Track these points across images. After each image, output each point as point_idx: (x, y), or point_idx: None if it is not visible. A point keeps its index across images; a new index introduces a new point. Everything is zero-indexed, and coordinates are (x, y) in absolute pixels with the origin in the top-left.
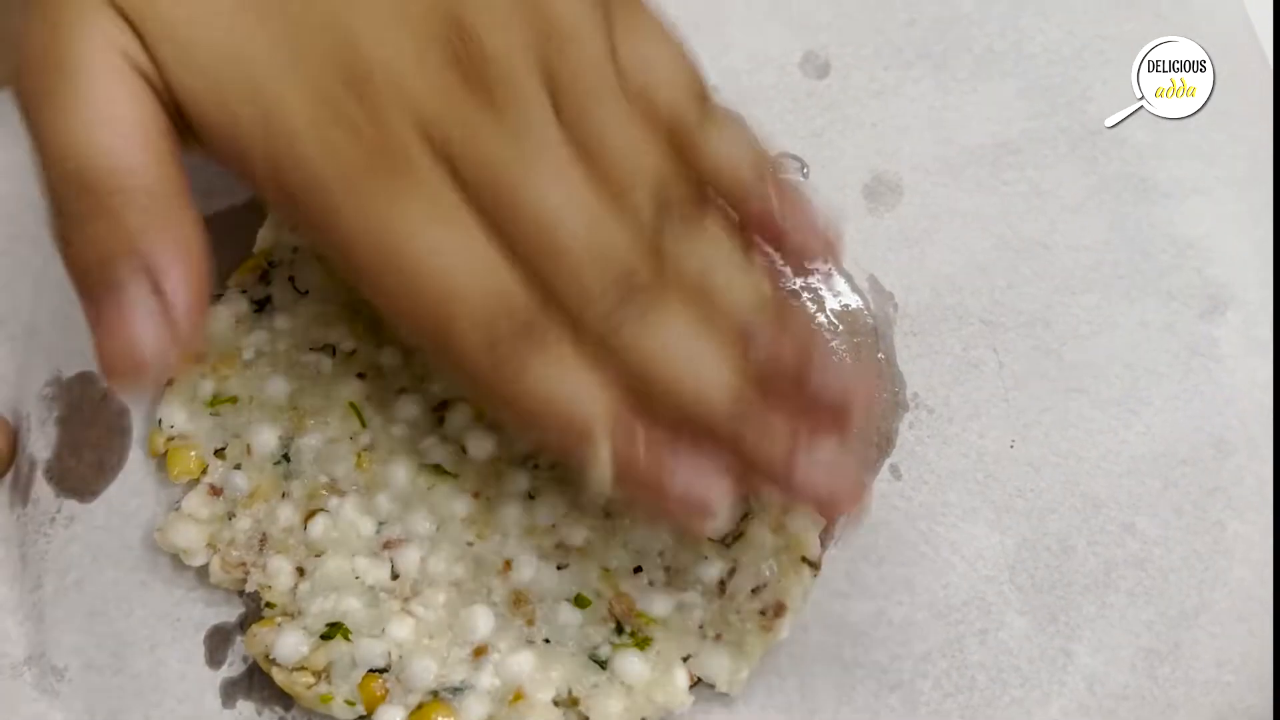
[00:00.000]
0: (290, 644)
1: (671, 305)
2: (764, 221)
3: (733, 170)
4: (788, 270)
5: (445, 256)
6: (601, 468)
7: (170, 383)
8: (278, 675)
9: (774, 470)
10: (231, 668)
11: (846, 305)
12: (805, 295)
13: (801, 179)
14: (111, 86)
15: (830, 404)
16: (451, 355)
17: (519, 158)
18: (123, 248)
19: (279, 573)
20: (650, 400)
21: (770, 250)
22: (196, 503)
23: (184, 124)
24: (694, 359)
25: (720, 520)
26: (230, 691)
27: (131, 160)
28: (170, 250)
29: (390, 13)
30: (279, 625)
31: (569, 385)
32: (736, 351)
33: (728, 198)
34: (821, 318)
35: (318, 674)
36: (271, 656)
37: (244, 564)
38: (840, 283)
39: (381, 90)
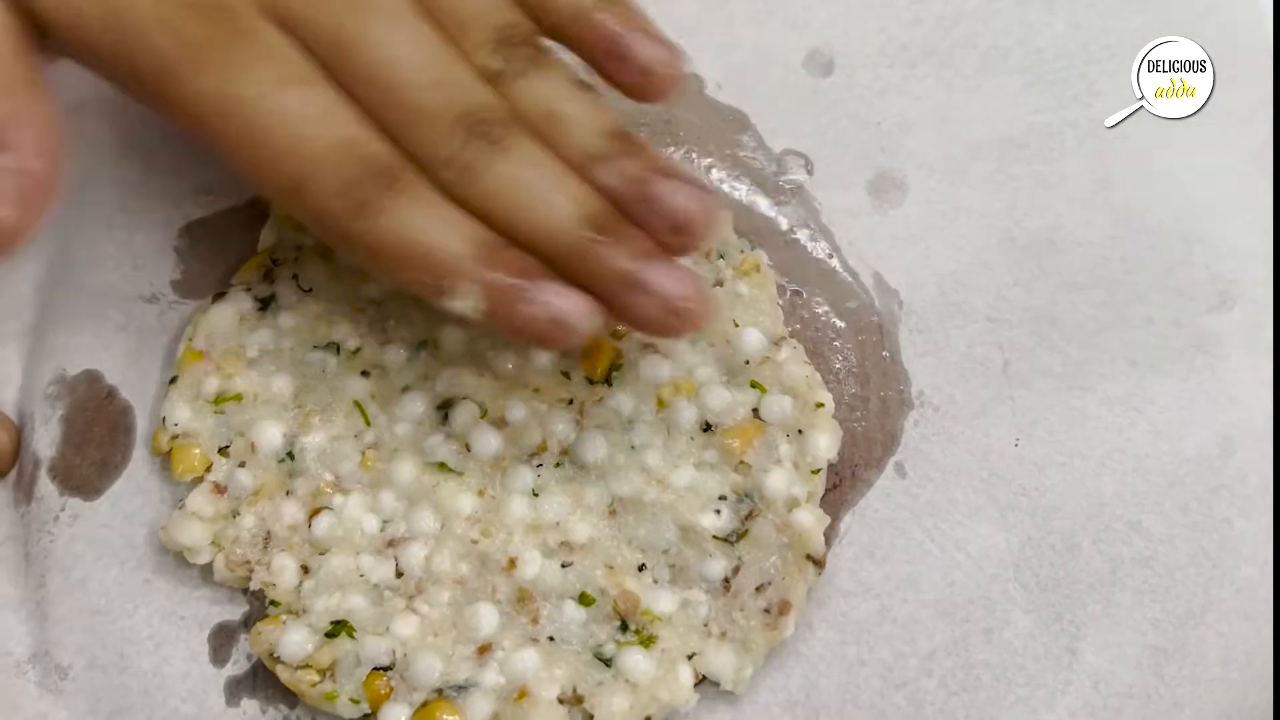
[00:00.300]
0: (295, 642)
1: (519, 139)
2: (602, 34)
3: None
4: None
5: (294, 115)
6: (468, 299)
7: (174, 380)
8: (282, 673)
9: (622, 283)
10: (236, 666)
11: (851, 303)
12: (807, 294)
13: (806, 176)
14: None
15: (675, 220)
16: (307, 210)
17: (354, 8)
18: None
19: (283, 570)
20: (506, 232)
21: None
22: (201, 501)
23: (35, 23)
24: (542, 190)
25: (581, 336)
26: (234, 690)
27: None
28: (22, 126)
29: None
30: (283, 623)
31: (427, 222)
32: (585, 178)
33: (565, 21)
34: (826, 315)
35: (322, 672)
36: (276, 654)
37: (248, 562)
38: (845, 280)
39: None
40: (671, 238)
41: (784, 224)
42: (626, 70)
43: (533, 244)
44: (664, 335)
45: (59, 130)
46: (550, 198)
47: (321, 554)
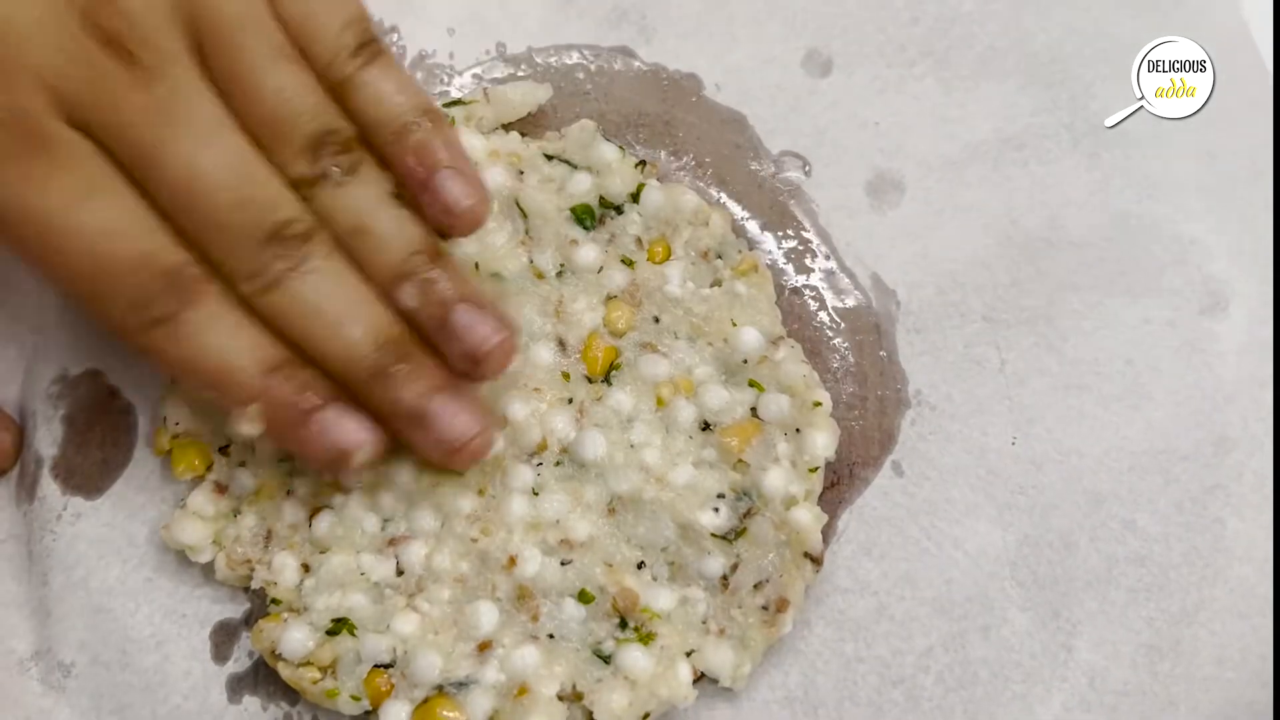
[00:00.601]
0: (296, 639)
1: (323, 257)
2: (417, 161)
3: (392, 106)
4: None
5: (91, 228)
6: (248, 421)
7: (175, 380)
8: (284, 670)
9: (405, 416)
10: (237, 663)
11: (849, 303)
12: (807, 294)
13: (804, 176)
14: None
15: (472, 350)
16: (102, 321)
17: (160, 118)
18: None
19: (284, 569)
20: (302, 350)
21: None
22: (202, 500)
23: None
24: (340, 312)
25: (359, 465)
26: (236, 687)
27: None
28: None
29: None
30: (285, 621)
31: (218, 340)
32: (386, 300)
33: (382, 136)
34: (824, 315)
35: (324, 669)
36: (277, 652)
37: (249, 561)
38: (843, 280)
39: (8, 64)
40: (467, 367)
41: (782, 225)
42: (432, 204)
43: (326, 365)
44: (445, 467)
45: None
46: (346, 321)
47: (322, 553)
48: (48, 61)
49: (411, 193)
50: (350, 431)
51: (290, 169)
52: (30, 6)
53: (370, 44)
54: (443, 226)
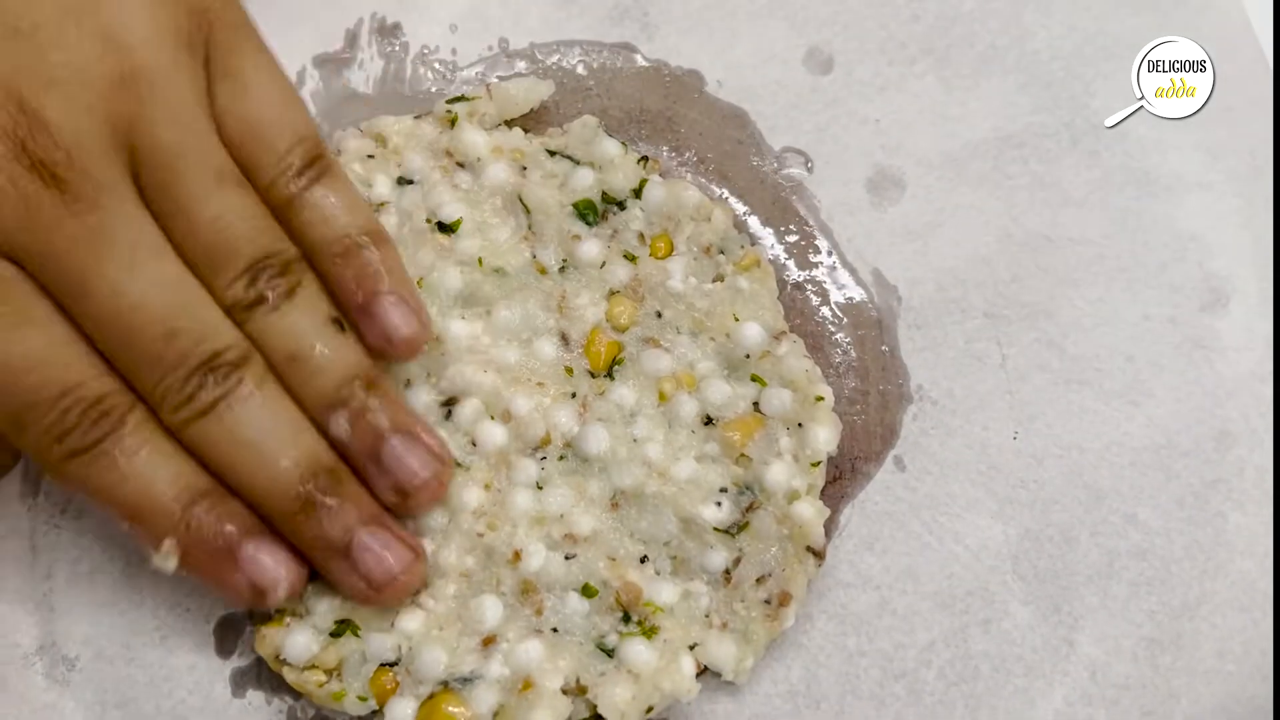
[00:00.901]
0: (300, 643)
1: (254, 386)
2: (358, 284)
3: (335, 226)
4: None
5: (14, 359)
6: (164, 555)
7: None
8: (289, 675)
9: (330, 551)
10: (241, 657)
11: (851, 298)
12: (810, 289)
13: (806, 173)
14: None
15: (401, 483)
16: (25, 448)
17: (90, 247)
18: None
19: None
20: (231, 484)
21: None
22: None
23: None
24: (269, 446)
25: (278, 602)
26: (240, 681)
27: None
28: None
29: None
30: (288, 625)
31: (143, 470)
32: (316, 430)
33: (325, 256)
34: (825, 311)
35: (329, 672)
36: (282, 657)
37: None
38: (845, 276)
39: None
40: (397, 500)
41: (784, 220)
42: (371, 330)
43: (251, 496)
44: (367, 605)
45: None
46: (275, 452)
47: None
48: None
49: (351, 316)
50: (268, 569)
51: (226, 294)
52: None
53: (317, 161)
54: (381, 352)
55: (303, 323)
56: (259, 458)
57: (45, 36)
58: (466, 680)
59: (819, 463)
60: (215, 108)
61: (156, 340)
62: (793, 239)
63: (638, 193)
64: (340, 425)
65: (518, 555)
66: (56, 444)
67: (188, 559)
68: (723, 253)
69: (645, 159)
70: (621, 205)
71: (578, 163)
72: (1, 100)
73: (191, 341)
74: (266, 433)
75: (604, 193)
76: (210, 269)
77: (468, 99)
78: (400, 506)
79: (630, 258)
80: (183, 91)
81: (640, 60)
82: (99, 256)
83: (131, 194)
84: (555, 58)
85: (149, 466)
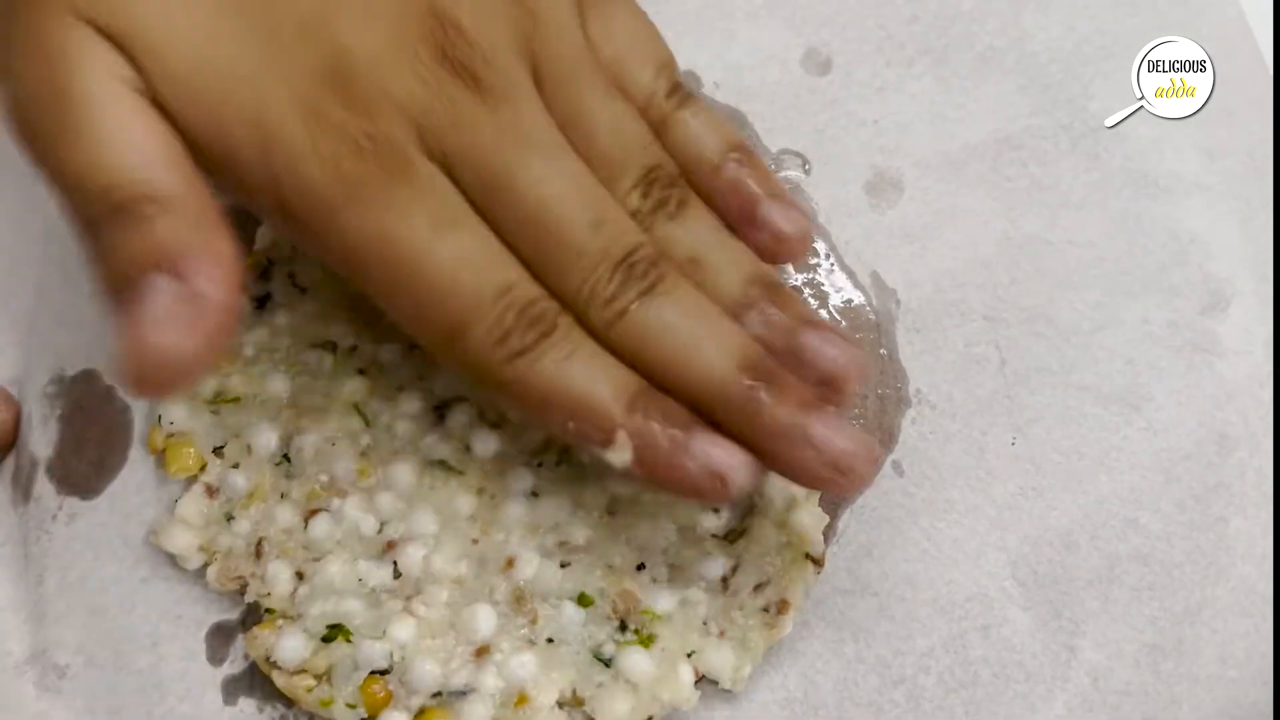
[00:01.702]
0: (291, 647)
1: (674, 282)
2: (738, 194)
3: (708, 143)
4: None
5: (450, 259)
6: (619, 452)
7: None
8: (278, 679)
9: (784, 436)
10: (233, 665)
11: (849, 301)
12: (808, 291)
13: (804, 175)
14: (124, 115)
15: (826, 373)
16: (463, 356)
17: (514, 146)
18: (154, 253)
19: (278, 579)
20: (662, 379)
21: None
22: (191, 508)
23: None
24: (700, 335)
25: (739, 491)
26: (232, 689)
27: (160, 175)
28: (202, 254)
29: (370, 11)
30: (279, 628)
31: (580, 371)
32: (736, 327)
33: (700, 172)
34: (824, 313)
35: (319, 677)
36: (272, 659)
37: (241, 576)
38: (842, 278)
39: (370, 91)
40: (820, 390)
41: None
42: (759, 235)
43: (687, 392)
44: (824, 490)
45: (239, 259)
46: (707, 344)
47: (316, 560)
48: (406, 89)
49: (735, 226)
50: (723, 456)
51: (626, 202)
52: (376, 36)
53: (680, 87)
54: (770, 255)
55: (699, 229)
56: (692, 349)
57: None
58: (460, 694)
59: None
60: (589, 38)
61: (583, 230)
62: None
63: None
64: (755, 322)
65: (511, 563)
66: (499, 345)
67: (641, 455)
68: None
69: None
70: None
71: None
72: (419, 11)
73: (614, 234)
74: (695, 325)
75: None
76: (608, 176)
77: None
78: (824, 398)
79: None
80: (569, 14)
81: None
82: (520, 150)
83: (539, 97)
84: None
85: (588, 367)
